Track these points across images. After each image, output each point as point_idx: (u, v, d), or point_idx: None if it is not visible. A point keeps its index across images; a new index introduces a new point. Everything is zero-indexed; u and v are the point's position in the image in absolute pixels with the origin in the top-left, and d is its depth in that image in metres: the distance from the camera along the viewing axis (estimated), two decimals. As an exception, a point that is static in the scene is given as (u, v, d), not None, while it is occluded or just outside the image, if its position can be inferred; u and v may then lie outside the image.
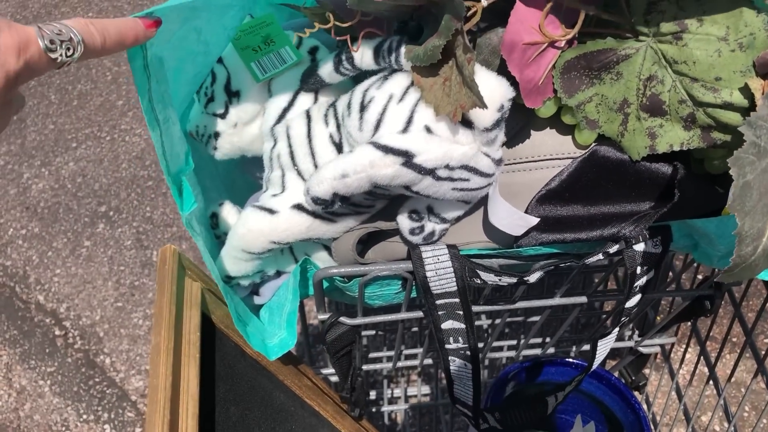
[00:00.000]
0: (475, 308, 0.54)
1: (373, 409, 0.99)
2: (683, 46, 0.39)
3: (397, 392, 1.02)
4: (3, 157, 1.72)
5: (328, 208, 0.44)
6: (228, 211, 0.56)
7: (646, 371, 0.79)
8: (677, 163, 0.45)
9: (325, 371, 0.67)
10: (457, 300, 0.48)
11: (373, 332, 0.96)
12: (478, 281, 0.47)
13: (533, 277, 0.47)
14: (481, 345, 0.68)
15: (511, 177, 0.47)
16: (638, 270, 0.46)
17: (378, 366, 0.74)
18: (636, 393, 0.74)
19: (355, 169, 0.41)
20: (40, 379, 1.30)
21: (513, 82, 0.41)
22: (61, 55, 0.34)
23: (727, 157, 0.43)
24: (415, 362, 0.72)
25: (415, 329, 0.94)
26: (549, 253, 0.47)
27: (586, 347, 0.77)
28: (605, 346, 0.53)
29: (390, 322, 0.55)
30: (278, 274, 0.57)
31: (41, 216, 1.57)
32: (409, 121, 0.42)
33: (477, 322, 0.90)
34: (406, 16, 0.44)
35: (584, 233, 0.46)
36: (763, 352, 0.59)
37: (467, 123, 0.41)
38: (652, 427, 0.80)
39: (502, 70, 0.42)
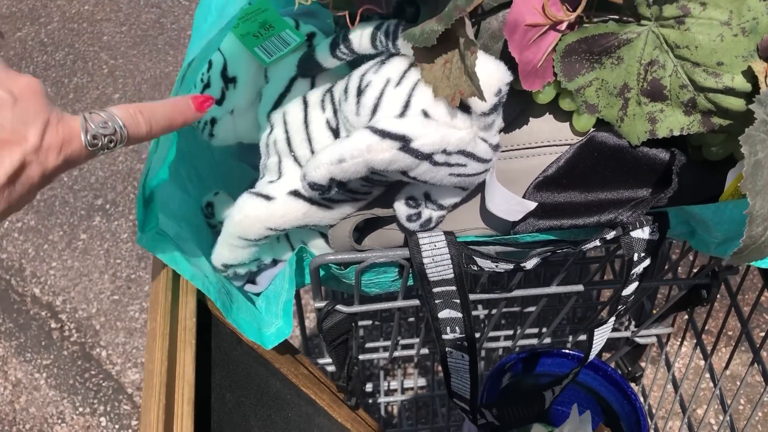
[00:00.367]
0: (472, 297, 0.54)
1: (370, 401, 0.99)
2: (685, 31, 0.38)
3: (394, 384, 1.02)
4: (-2, 149, 1.71)
5: (324, 193, 0.44)
6: (223, 201, 0.56)
7: (642, 364, 0.79)
8: (675, 149, 0.45)
9: (321, 361, 0.67)
10: (453, 288, 0.48)
11: (369, 322, 0.96)
12: (475, 268, 0.47)
13: (530, 264, 0.47)
14: (477, 335, 0.67)
15: (509, 164, 0.47)
16: (635, 257, 0.46)
17: (374, 356, 0.74)
18: (632, 384, 0.74)
19: (352, 154, 0.41)
20: (36, 372, 1.30)
21: (511, 66, 0.41)
22: (101, 148, 0.34)
23: (726, 143, 0.43)
24: (412, 352, 0.72)
25: (411, 319, 0.94)
26: (546, 240, 0.47)
27: (583, 337, 0.77)
28: (602, 336, 0.53)
29: (386, 310, 0.55)
30: (275, 262, 0.57)
31: (37, 209, 1.57)
32: (407, 106, 0.41)
33: (473, 312, 0.90)
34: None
35: (581, 219, 0.45)
36: (759, 345, 0.59)
37: (465, 107, 0.41)
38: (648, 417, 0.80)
39: (501, 55, 0.42)
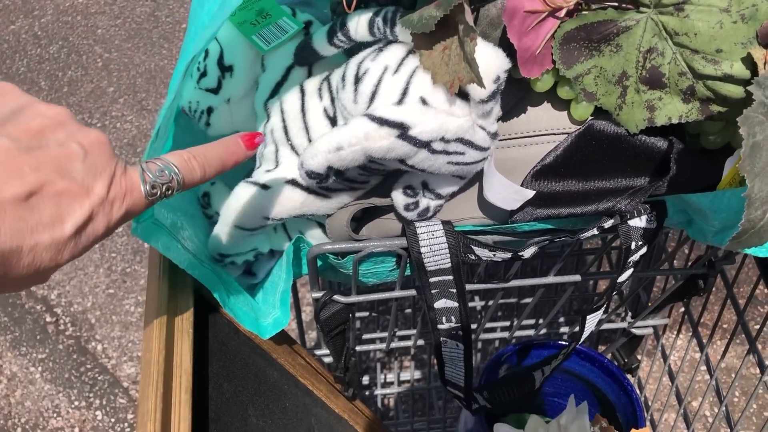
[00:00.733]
0: (469, 287, 0.54)
1: (366, 393, 0.99)
2: (684, 18, 0.38)
3: (390, 377, 1.02)
4: (-8, 143, 1.70)
5: (322, 182, 0.43)
6: (220, 190, 0.56)
7: (638, 356, 0.79)
8: (673, 138, 0.45)
9: (318, 352, 0.67)
10: (450, 277, 0.48)
11: (366, 314, 0.96)
12: (473, 257, 0.47)
13: (527, 253, 0.47)
14: (474, 326, 0.67)
15: (506, 152, 0.47)
16: (633, 245, 0.46)
17: (371, 347, 0.73)
18: (629, 376, 0.75)
19: (350, 142, 0.41)
20: (31, 366, 1.29)
21: (509, 53, 0.41)
22: (160, 196, 0.34)
23: (724, 131, 0.43)
24: (409, 343, 0.72)
25: (408, 311, 0.94)
26: (544, 229, 0.47)
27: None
28: (594, 320, 0.53)
29: (383, 302, 0.55)
30: (272, 252, 0.56)
31: (31, 202, 1.56)
32: (405, 93, 0.41)
33: (470, 304, 0.90)
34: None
35: (579, 208, 0.45)
36: (754, 336, 0.59)
37: (463, 95, 0.41)
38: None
39: (499, 43, 0.42)
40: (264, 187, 0.48)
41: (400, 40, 0.43)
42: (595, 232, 0.46)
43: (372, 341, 0.90)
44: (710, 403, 1.14)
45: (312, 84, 0.48)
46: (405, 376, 1.05)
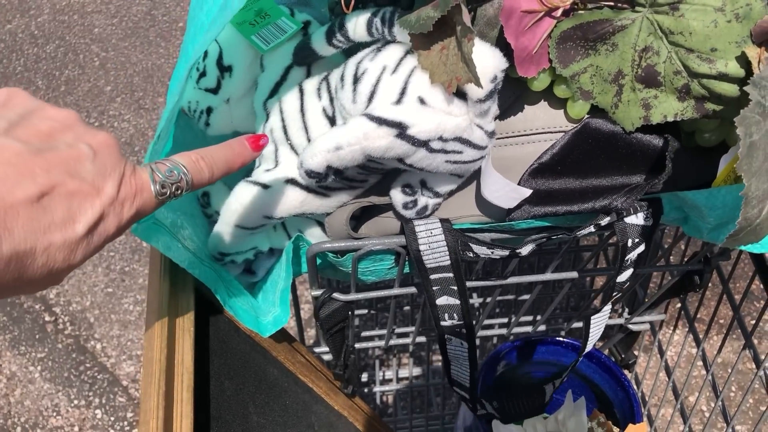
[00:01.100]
0: (468, 284, 0.54)
1: (365, 390, 0.99)
2: (680, 17, 0.39)
3: (389, 374, 1.03)
4: (-11, 142, 1.70)
5: (321, 181, 0.44)
6: (220, 190, 0.56)
7: (635, 352, 0.80)
8: (668, 135, 0.45)
9: (317, 350, 0.67)
10: (450, 275, 0.48)
11: (365, 311, 0.96)
12: (471, 255, 0.47)
13: (525, 250, 0.47)
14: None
15: (504, 151, 0.47)
16: (629, 242, 0.46)
17: (370, 344, 0.74)
18: (625, 371, 0.75)
19: (349, 141, 0.41)
20: (31, 365, 1.29)
21: (506, 53, 0.41)
22: (169, 196, 0.35)
23: (719, 129, 0.44)
24: (407, 340, 0.73)
25: (406, 308, 0.94)
26: (541, 227, 0.48)
27: (577, 325, 0.78)
28: (598, 324, 0.54)
29: (382, 300, 0.55)
30: (271, 251, 0.57)
31: (29, 202, 1.56)
32: (403, 92, 0.42)
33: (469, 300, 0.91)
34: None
35: (576, 205, 0.46)
36: (750, 331, 0.60)
37: (461, 94, 0.41)
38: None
39: (496, 42, 0.42)
40: (264, 186, 0.48)
41: (399, 41, 0.43)
42: (591, 229, 0.46)
43: (371, 338, 0.91)
44: (707, 398, 1.15)
45: (311, 84, 0.49)
46: (404, 373, 1.06)
